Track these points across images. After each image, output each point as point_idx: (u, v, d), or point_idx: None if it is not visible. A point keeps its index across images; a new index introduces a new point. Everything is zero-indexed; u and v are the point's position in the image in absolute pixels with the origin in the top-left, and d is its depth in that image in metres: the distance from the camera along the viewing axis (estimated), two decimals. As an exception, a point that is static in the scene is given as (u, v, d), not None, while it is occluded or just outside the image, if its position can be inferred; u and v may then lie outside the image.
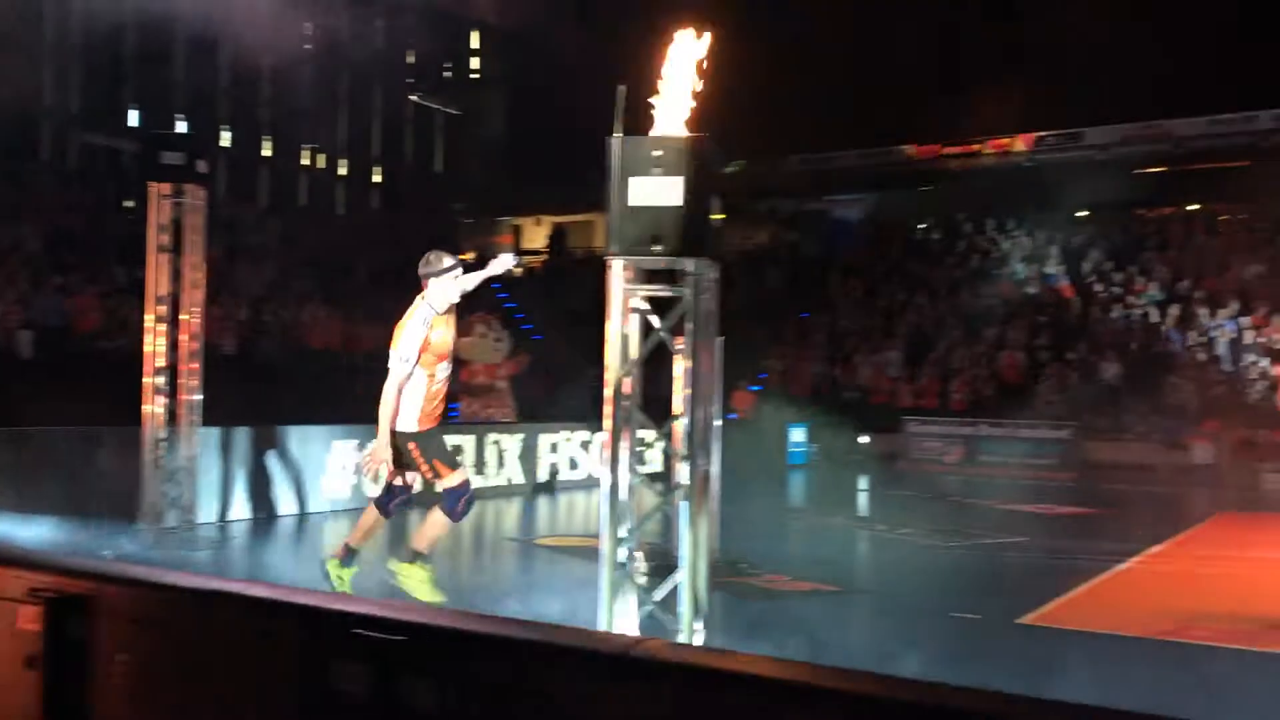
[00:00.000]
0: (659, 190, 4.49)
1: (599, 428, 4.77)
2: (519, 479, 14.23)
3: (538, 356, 20.31)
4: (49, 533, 8.24)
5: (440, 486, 6.72)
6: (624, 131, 4.63)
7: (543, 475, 14.65)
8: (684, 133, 4.75)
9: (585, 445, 15.21)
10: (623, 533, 4.58)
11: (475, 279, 7.00)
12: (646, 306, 4.74)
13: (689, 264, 4.56)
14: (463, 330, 13.46)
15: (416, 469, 6.65)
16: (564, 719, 2.37)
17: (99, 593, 2.95)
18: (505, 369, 17.84)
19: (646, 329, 4.80)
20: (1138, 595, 8.27)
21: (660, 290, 4.74)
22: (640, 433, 4.81)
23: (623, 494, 4.58)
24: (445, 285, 6.60)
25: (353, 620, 2.60)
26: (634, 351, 4.73)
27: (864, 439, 20.14)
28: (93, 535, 8.51)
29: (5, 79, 18.99)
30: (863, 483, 17.15)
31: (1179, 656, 6.39)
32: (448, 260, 6.67)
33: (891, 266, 28.79)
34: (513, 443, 14.29)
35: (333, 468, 11.50)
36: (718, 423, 8.28)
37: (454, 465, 6.78)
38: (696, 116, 4.88)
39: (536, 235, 37.20)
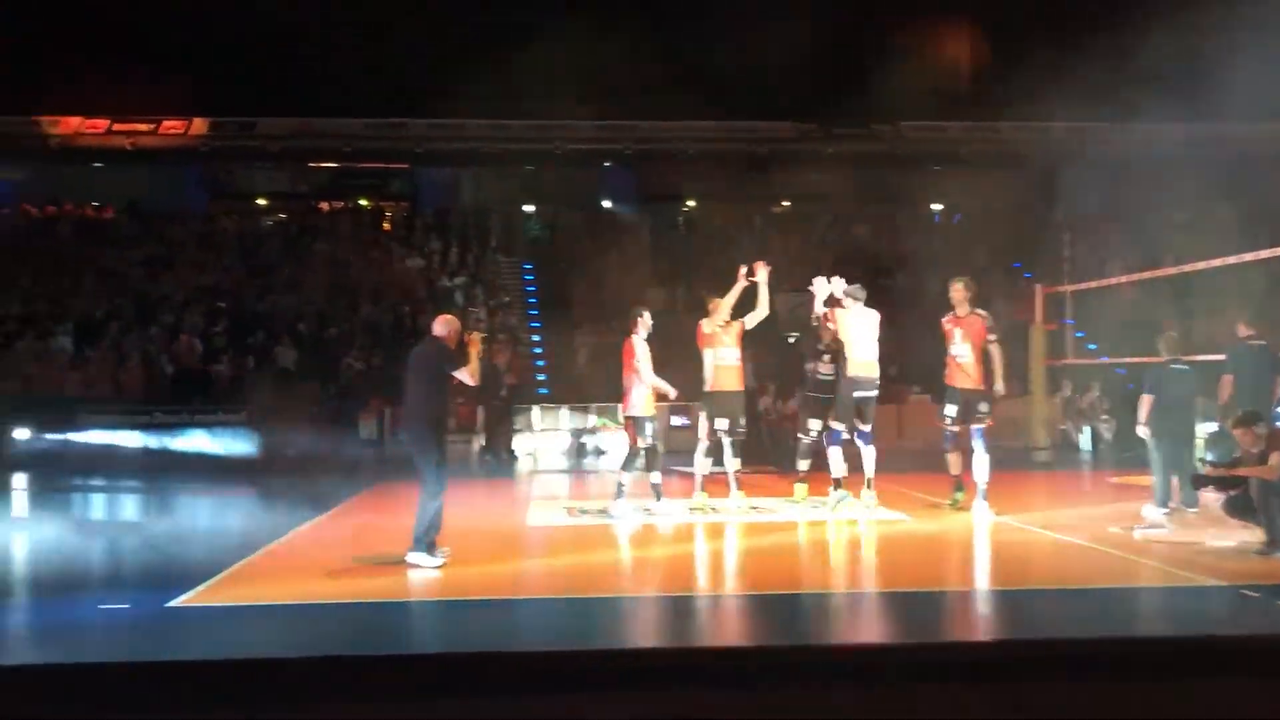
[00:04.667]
0: None
1: None
2: None
3: None
4: None
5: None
6: None
7: None
8: None
9: None
10: None
11: None
12: None
13: None
14: None
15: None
16: None
17: None
18: None
19: None
20: (290, 565, 8.76)
21: None
22: None
23: None
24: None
25: None
26: None
27: (24, 434, 18.41)
28: None
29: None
30: (23, 481, 15.93)
31: (314, 617, 6.94)
32: None
33: (59, 246, 26.65)
34: None
35: None
36: None
37: None
38: None
39: None
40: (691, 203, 31.49)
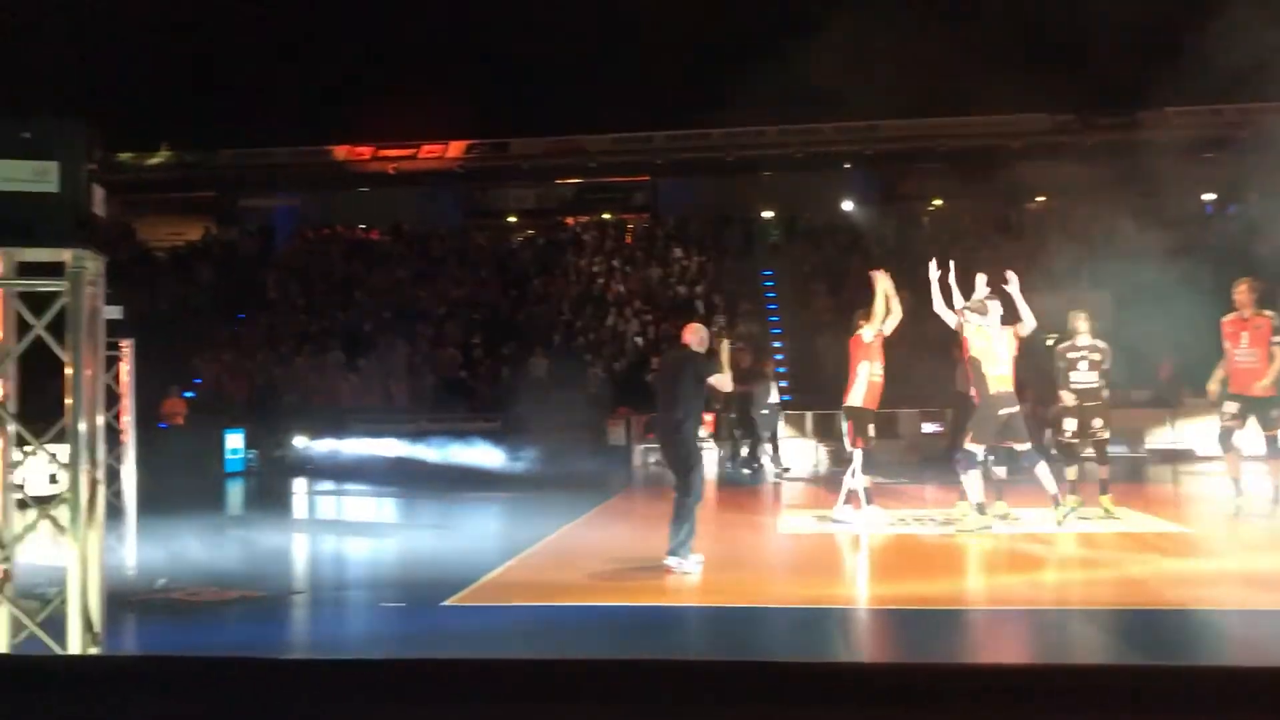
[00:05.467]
0: (31, 174, 4.11)
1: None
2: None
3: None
4: None
5: None
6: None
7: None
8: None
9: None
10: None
11: None
12: (20, 303, 4.33)
13: (68, 255, 4.23)
14: None
15: None
16: None
17: None
18: None
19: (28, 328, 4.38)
20: (554, 567, 9.01)
21: (37, 284, 4.35)
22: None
23: (-5, 510, 4.14)
24: None
25: None
26: (6, 352, 4.30)
27: (303, 441, 19.84)
28: None
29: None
30: (304, 486, 17.14)
31: (581, 619, 7.08)
32: None
33: (330, 266, 28.66)
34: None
35: None
36: (130, 429, 7.72)
37: None
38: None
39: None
40: (938, 201, 30.56)
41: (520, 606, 7.43)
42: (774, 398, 17.44)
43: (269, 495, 16.57)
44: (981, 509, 10.14)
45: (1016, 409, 10.20)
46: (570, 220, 31.66)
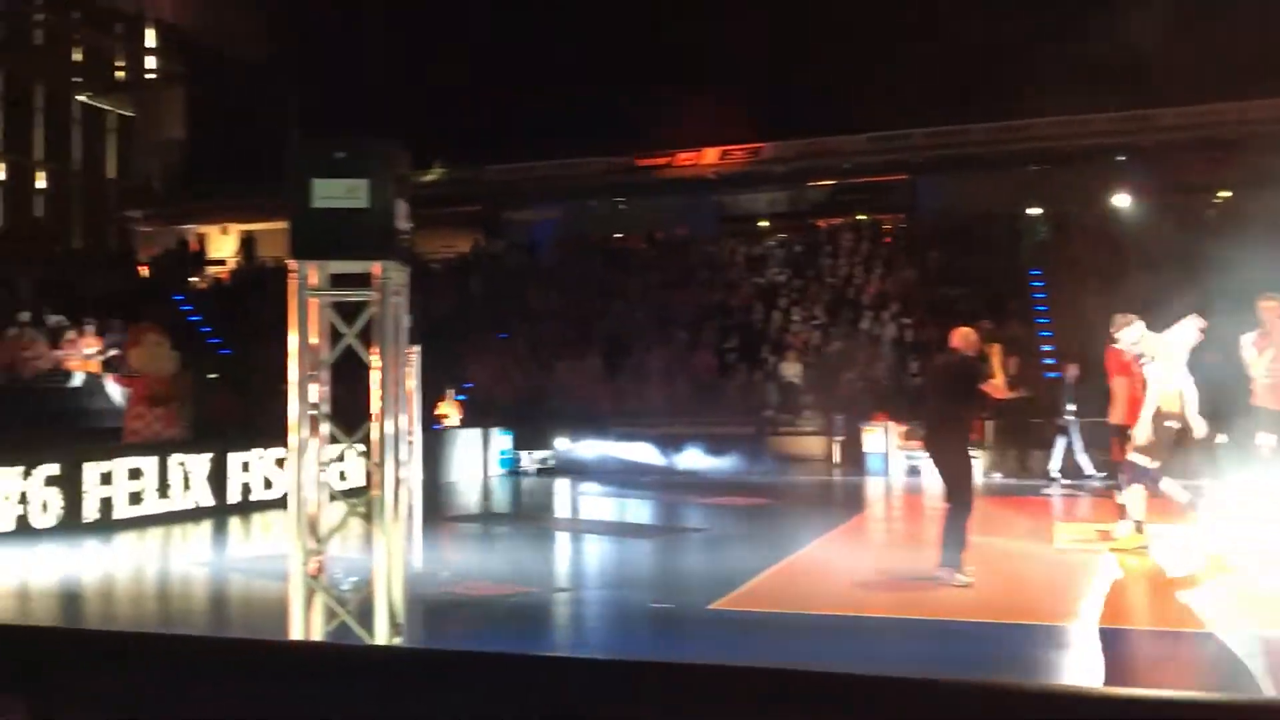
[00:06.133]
0: (344, 192, 4.41)
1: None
2: (208, 500, 13.49)
3: (228, 371, 19.61)
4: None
5: None
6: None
7: (234, 496, 13.94)
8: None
9: (281, 463, 14.61)
10: (312, 544, 4.46)
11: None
12: (333, 312, 4.65)
13: (377, 267, 4.51)
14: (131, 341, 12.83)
15: None
16: None
17: None
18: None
19: (338, 336, 4.71)
20: (817, 575, 8.89)
21: (348, 295, 4.66)
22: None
23: (311, 506, 4.46)
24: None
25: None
26: (321, 358, 4.62)
27: (568, 443, 20.50)
28: None
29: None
30: (566, 487, 17.71)
31: (854, 628, 6.95)
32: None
33: (590, 274, 29.50)
34: (199, 463, 13.52)
35: None
36: (416, 431, 8.17)
37: None
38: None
39: (223, 244, 35.46)
40: (1224, 193, 28.22)
41: (789, 614, 7.37)
42: (1073, 405, 16.81)
43: (535, 495, 17.21)
44: (1140, 527, 9.51)
45: (1180, 425, 9.43)
46: (823, 223, 31.28)
